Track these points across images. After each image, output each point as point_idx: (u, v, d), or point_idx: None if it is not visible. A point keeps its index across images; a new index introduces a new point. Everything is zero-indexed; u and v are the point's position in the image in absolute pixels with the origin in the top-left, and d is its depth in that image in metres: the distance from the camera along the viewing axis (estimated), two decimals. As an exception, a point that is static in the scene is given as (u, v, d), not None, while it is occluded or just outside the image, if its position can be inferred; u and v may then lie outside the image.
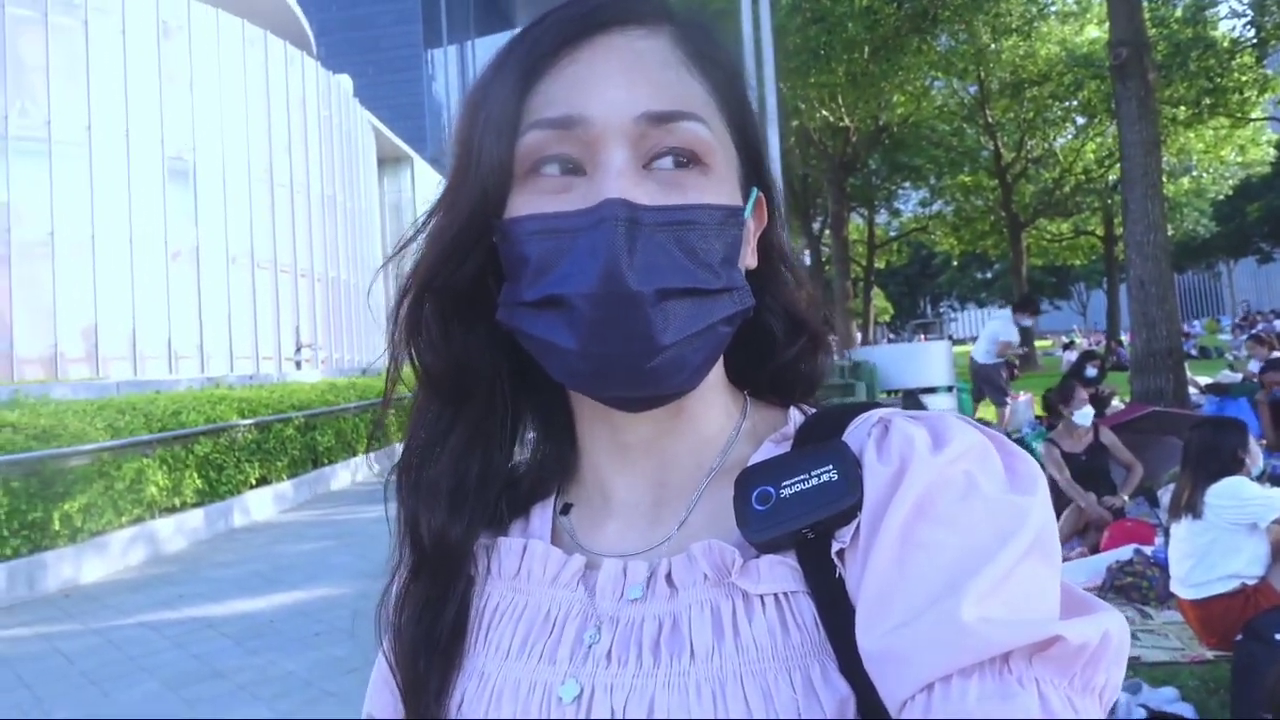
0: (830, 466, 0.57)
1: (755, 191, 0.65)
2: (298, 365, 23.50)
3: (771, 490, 0.57)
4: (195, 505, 8.96)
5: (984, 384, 10.49)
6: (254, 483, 10.06)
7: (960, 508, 0.52)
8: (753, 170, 0.65)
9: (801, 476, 0.57)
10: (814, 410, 0.68)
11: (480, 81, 0.61)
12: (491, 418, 0.67)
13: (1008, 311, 10.95)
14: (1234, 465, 3.77)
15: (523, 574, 0.65)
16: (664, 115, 0.57)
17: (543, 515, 0.69)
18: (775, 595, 0.56)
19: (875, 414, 0.61)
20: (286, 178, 25.88)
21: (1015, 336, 10.46)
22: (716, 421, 0.66)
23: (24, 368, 19.89)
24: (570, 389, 0.63)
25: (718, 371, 0.66)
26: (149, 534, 8.21)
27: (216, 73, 24.02)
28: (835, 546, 0.55)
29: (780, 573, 0.57)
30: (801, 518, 0.55)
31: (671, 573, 0.60)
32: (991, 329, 10.65)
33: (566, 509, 0.69)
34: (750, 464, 0.62)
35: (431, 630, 0.64)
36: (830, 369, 0.73)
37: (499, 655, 0.62)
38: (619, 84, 0.57)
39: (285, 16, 30.24)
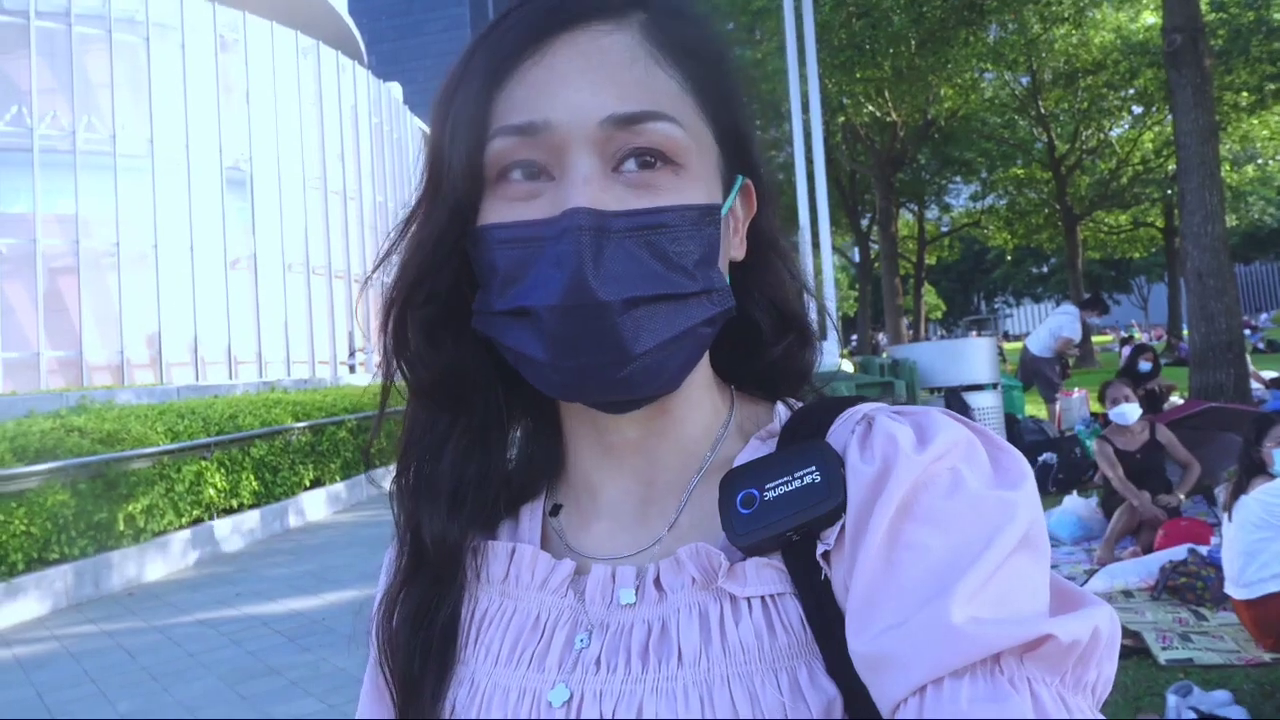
0: (813, 468, 0.56)
1: (740, 179, 0.63)
2: (351, 369, 23.98)
3: (755, 493, 0.57)
4: (252, 506, 9.21)
5: (1034, 376, 10.22)
6: (308, 484, 10.30)
7: (946, 506, 0.51)
8: (737, 158, 0.63)
9: (784, 478, 0.56)
10: (800, 405, 0.67)
11: (447, 84, 0.60)
12: (486, 421, 0.67)
13: (1075, 308, 10.65)
14: (1256, 464, 3.68)
15: (511, 579, 0.64)
16: (630, 117, 0.55)
17: (532, 516, 0.68)
18: (762, 598, 0.56)
19: (859, 411, 0.60)
20: (340, 185, 26.44)
21: (1078, 335, 10.16)
22: (703, 419, 0.65)
23: (93, 374, 20.66)
24: (548, 395, 0.61)
25: (703, 368, 0.65)
26: (207, 534, 8.46)
27: (271, 84, 24.65)
28: (820, 548, 0.55)
29: (767, 575, 0.56)
30: (785, 521, 0.55)
31: (660, 577, 0.59)
32: (1055, 322, 10.30)
33: (556, 510, 0.68)
34: (735, 465, 0.61)
35: (426, 634, 0.64)
36: (817, 363, 0.71)
37: (489, 661, 0.62)
38: (583, 86, 0.55)
39: (337, 27, 30.92)
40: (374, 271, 0.67)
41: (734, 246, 0.64)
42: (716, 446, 0.65)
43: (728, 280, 0.61)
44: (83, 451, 7.33)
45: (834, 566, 0.54)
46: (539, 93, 0.56)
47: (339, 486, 10.85)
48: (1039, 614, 0.48)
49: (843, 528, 0.54)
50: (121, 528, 7.47)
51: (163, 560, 7.86)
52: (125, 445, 7.74)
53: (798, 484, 0.56)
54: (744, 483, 0.58)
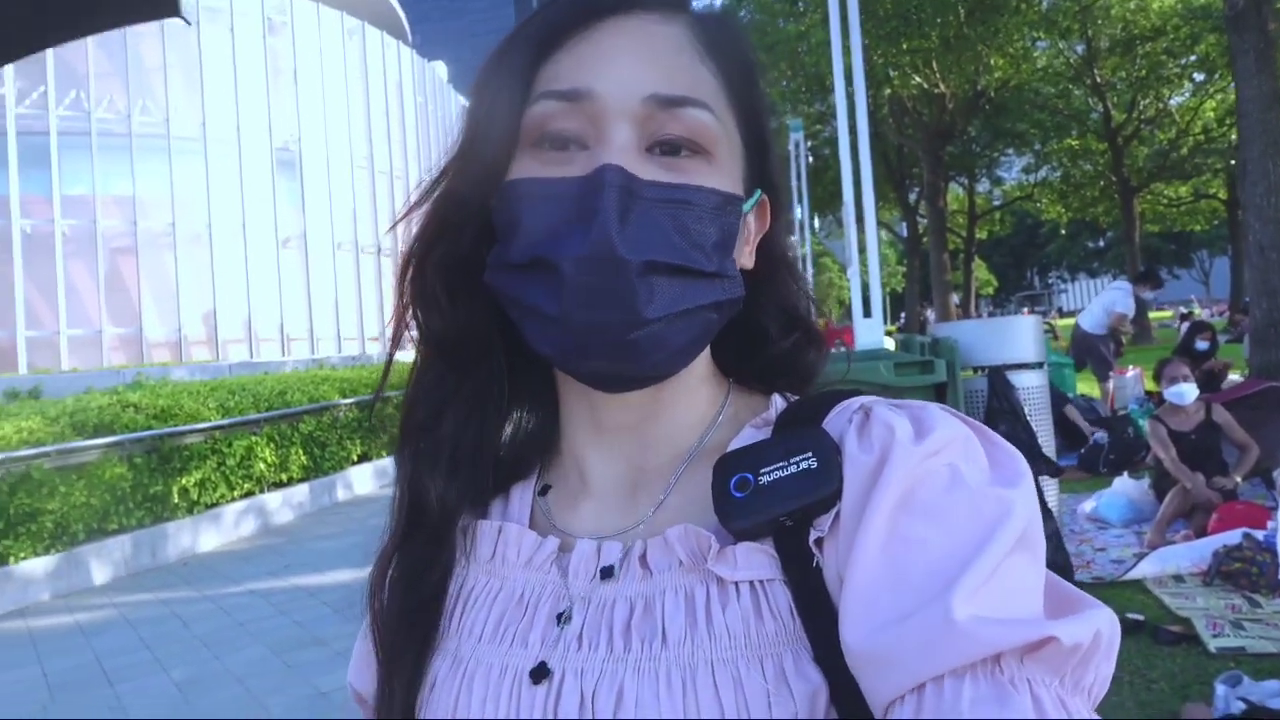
0: (810, 454, 0.55)
1: (759, 193, 0.64)
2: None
3: (750, 477, 0.56)
4: (301, 480, 9.43)
5: (1087, 354, 9.98)
6: (356, 459, 10.50)
7: (945, 501, 0.51)
8: (758, 169, 0.64)
9: (780, 463, 0.56)
10: (795, 399, 0.67)
11: (494, 55, 0.61)
12: (490, 387, 0.67)
13: (1128, 284, 10.38)
14: None
15: (497, 557, 0.65)
16: (672, 99, 0.57)
17: (522, 496, 0.69)
18: (751, 583, 0.55)
19: (856, 401, 0.60)
20: (386, 165, 26.72)
21: (1131, 310, 9.88)
22: (698, 408, 0.66)
23: (153, 350, 21.27)
24: (550, 360, 0.61)
25: (703, 362, 0.65)
26: (259, 507, 8.69)
27: (319, 65, 24.93)
28: (814, 535, 0.54)
29: (757, 560, 0.56)
30: (780, 505, 0.54)
31: (646, 554, 0.59)
32: (1108, 298, 10.08)
33: (545, 490, 0.69)
34: (729, 449, 0.61)
35: (414, 599, 0.64)
36: (823, 366, 0.71)
37: (472, 638, 0.62)
38: (629, 63, 0.57)
39: (382, 6, 31.06)
40: (397, 223, 0.67)
41: (744, 255, 0.64)
42: (710, 432, 0.65)
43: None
44: (138, 427, 7.57)
45: (827, 554, 0.54)
46: (585, 64, 0.57)
47: (386, 461, 11.04)
48: (1039, 615, 0.48)
49: (837, 515, 0.54)
50: (176, 500, 7.70)
51: (215, 532, 8.09)
52: (178, 421, 7.97)
53: (794, 469, 0.55)
54: (739, 466, 0.57)
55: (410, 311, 0.65)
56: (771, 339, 0.68)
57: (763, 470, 0.56)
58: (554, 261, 0.54)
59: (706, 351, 0.65)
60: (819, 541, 0.54)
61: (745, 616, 0.54)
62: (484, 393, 0.67)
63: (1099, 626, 0.47)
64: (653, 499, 0.63)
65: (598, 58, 0.57)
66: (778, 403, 0.66)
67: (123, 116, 21.62)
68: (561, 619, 0.59)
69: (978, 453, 0.54)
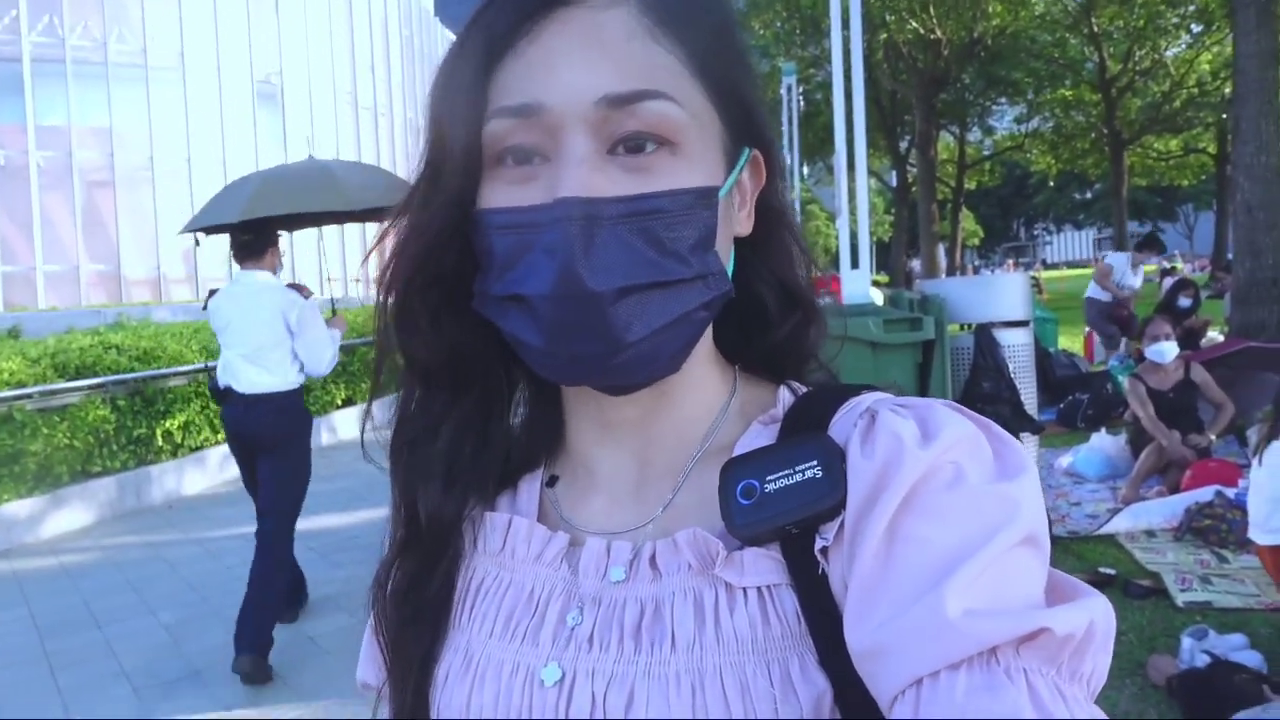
0: (815, 462, 0.56)
1: (747, 151, 0.62)
2: (383, 287, 24.18)
3: (756, 484, 0.57)
4: (286, 423, 9.41)
5: (1094, 322, 10.23)
6: (340, 403, 10.49)
7: (946, 500, 0.51)
8: (744, 130, 0.61)
9: (786, 471, 0.56)
10: (803, 390, 0.66)
11: (444, 64, 0.59)
12: (487, 398, 0.67)
13: (1123, 255, 10.50)
14: None
15: (507, 551, 0.65)
16: (626, 96, 0.54)
17: (530, 488, 0.69)
18: (758, 588, 0.56)
19: (863, 403, 0.59)
20: (370, 101, 26.19)
21: (1113, 266, 9.93)
22: (704, 400, 0.65)
23: (131, 289, 21.00)
24: (545, 379, 0.62)
25: (706, 347, 0.65)
26: (244, 450, 8.68)
27: (300, -6, 24.24)
28: (819, 544, 0.55)
29: (764, 565, 0.56)
30: (785, 514, 0.55)
31: (655, 556, 0.60)
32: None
33: (553, 481, 0.69)
34: (735, 453, 0.61)
35: (418, 604, 0.65)
36: (822, 343, 0.70)
37: (483, 633, 0.63)
38: (577, 64, 0.54)
39: (366, -65, 30.10)
40: (370, 252, 0.66)
41: (740, 222, 0.63)
42: (716, 428, 0.65)
43: (730, 260, 0.60)
44: (120, 369, 7.51)
45: (832, 562, 0.54)
46: (534, 73, 0.55)
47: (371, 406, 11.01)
48: (1033, 606, 0.48)
49: (842, 524, 0.54)
50: (160, 443, 7.69)
51: (201, 475, 8.10)
52: (161, 363, 7.91)
53: (799, 477, 0.55)
54: (745, 473, 0.58)
55: (395, 340, 0.64)
56: (772, 320, 0.67)
57: (768, 478, 0.56)
58: (527, 298, 0.54)
59: (708, 337, 0.65)
60: (824, 550, 0.55)
61: (752, 621, 0.55)
62: (482, 404, 0.66)
63: (1093, 616, 0.47)
64: (661, 497, 0.63)
65: (545, 63, 0.54)
66: (784, 397, 0.65)
67: (98, 44, 21.01)
68: (572, 619, 0.60)
69: (984, 451, 0.54)
